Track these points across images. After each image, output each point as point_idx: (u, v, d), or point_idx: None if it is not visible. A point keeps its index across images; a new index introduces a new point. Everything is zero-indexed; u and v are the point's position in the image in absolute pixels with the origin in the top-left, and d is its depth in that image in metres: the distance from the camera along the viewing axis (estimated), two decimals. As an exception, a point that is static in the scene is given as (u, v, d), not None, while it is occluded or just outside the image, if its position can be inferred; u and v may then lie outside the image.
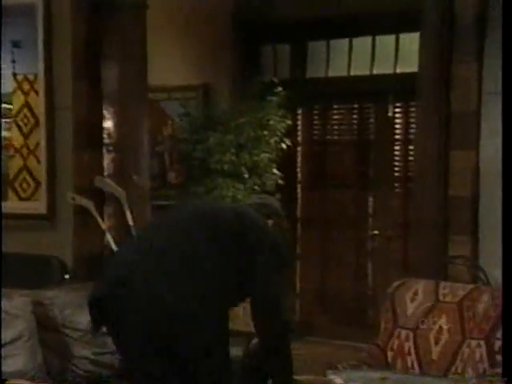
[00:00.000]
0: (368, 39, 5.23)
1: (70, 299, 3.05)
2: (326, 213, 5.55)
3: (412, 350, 3.15)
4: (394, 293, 3.35)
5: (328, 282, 5.54)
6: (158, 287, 2.40)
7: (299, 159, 5.63)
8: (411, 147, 5.13)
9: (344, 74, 5.36)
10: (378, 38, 5.21)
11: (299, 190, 5.66)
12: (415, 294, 3.27)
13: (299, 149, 5.61)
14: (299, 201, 5.67)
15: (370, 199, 5.40)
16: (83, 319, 2.79)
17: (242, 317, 4.91)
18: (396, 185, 5.29)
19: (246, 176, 4.91)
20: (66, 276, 4.44)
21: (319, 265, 5.55)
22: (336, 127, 5.60)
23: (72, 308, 3.01)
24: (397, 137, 5.28)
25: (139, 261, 2.48)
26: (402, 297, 3.29)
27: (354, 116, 5.49)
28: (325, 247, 5.57)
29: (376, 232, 5.33)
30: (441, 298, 3.19)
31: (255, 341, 3.09)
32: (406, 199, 5.17)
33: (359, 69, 5.28)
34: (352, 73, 5.34)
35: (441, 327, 3.11)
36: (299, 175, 5.64)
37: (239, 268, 2.53)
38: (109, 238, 4.40)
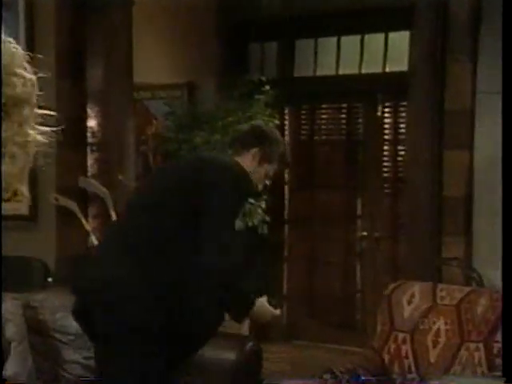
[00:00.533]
0: (357, 37, 5.22)
1: (61, 302, 3.01)
2: (314, 214, 5.54)
3: (409, 353, 3.14)
4: (390, 295, 3.35)
5: (316, 284, 5.53)
6: (133, 285, 2.48)
7: (286, 159, 5.63)
8: (401, 147, 5.15)
9: (332, 72, 5.36)
10: (366, 36, 5.21)
11: (287, 191, 5.66)
12: (412, 296, 3.27)
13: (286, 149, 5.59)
14: (286, 202, 5.67)
15: (359, 200, 5.41)
16: (74, 323, 2.75)
17: (227, 317, 4.91)
18: (385, 185, 5.30)
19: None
20: (49, 279, 4.39)
21: (307, 266, 5.54)
22: (324, 127, 5.60)
23: (62, 311, 2.98)
24: (386, 137, 5.29)
25: (109, 260, 2.58)
26: (398, 299, 3.28)
27: (343, 116, 5.49)
28: (313, 248, 5.56)
29: (365, 233, 5.33)
30: (438, 300, 3.18)
31: (250, 344, 3.07)
32: (396, 200, 5.19)
33: (348, 68, 5.28)
34: (340, 72, 5.33)
35: (438, 330, 3.11)
36: (286, 176, 5.62)
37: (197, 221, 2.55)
38: (93, 239, 4.37)
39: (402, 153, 5.17)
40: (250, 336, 3.82)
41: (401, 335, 3.21)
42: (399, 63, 5.04)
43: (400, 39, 5.04)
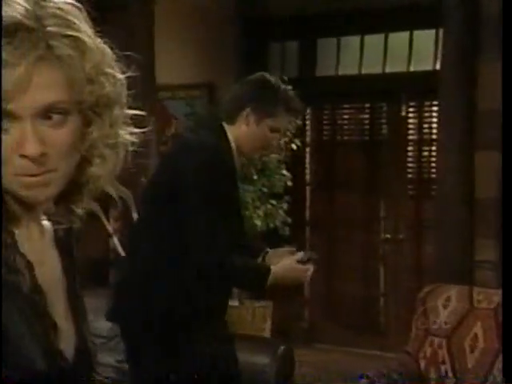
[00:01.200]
0: (381, 36, 5.21)
1: (90, 305, 3.01)
2: (336, 215, 5.53)
3: (446, 359, 3.13)
4: (424, 298, 3.34)
5: (337, 287, 5.52)
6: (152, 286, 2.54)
7: (308, 160, 5.62)
8: (425, 148, 5.15)
9: (355, 72, 5.34)
10: (391, 34, 5.19)
11: (308, 192, 5.65)
12: (448, 300, 3.25)
13: (308, 149, 5.58)
14: (308, 203, 5.66)
15: (382, 202, 5.39)
16: (105, 325, 2.75)
17: (249, 321, 4.91)
18: (409, 187, 5.28)
19: (255, 177, 4.88)
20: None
21: (328, 269, 5.50)
22: (346, 127, 5.59)
23: (92, 314, 2.97)
24: (410, 137, 5.27)
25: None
26: (433, 303, 3.27)
27: (366, 116, 5.48)
28: (334, 251, 5.54)
29: (388, 236, 5.31)
30: (475, 304, 3.17)
31: (283, 348, 3.07)
32: (420, 202, 5.17)
33: (371, 67, 5.26)
34: (363, 71, 5.32)
35: (476, 334, 3.09)
36: (308, 177, 5.63)
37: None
38: (115, 241, 4.37)
39: (426, 153, 5.19)
40: (282, 339, 3.81)
41: (437, 340, 3.20)
42: (424, 62, 5.05)
43: (425, 38, 5.04)
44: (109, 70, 1.07)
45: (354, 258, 5.49)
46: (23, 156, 1.02)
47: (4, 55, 0.98)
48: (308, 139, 5.58)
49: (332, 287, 5.54)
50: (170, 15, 5.53)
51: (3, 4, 1.01)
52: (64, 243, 1.16)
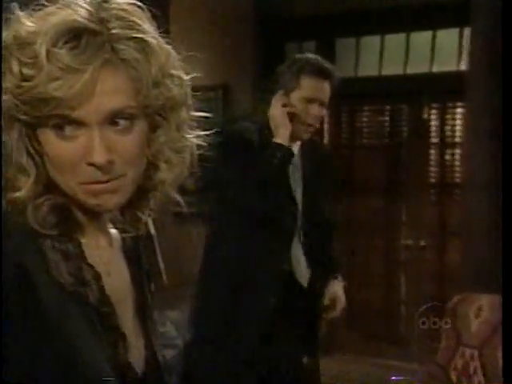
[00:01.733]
0: (402, 36, 5.14)
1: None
2: (355, 221, 5.47)
3: (478, 370, 3.06)
4: (454, 308, 3.27)
5: (356, 295, 5.41)
6: None
7: (326, 164, 5.57)
8: (448, 151, 5.08)
9: (375, 73, 5.28)
10: (412, 34, 5.12)
11: (326, 197, 5.60)
12: (479, 309, 3.18)
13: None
14: (326, 208, 5.61)
15: (403, 207, 5.33)
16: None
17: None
18: (431, 191, 5.22)
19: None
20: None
21: (348, 276, 5.36)
22: (366, 130, 5.51)
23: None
24: (432, 140, 5.21)
25: None
26: (464, 312, 3.20)
27: (386, 118, 5.41)
28: (354, 257, 5.47)
29: (409, 242, 5.25)
30: (509, 313, 3.09)
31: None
32: (443, 207, 5.10)
33: (392, 67, 5.20)
34: (384, 72, 5.25)
35: (510, 345, 3.01)
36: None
37: None
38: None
39: (449, 157, 5.12)
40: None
41: (468, 351, 3.12)
42: (447, 62, 4.98)
43: (448, 37, 4.97)
44: (174, 72, 1.07)
45: (374, 264, 5.43)
46: (90, 164, 1.01)
47: (67, 60, 0.98)
48: (326, 142, 5.50)
49: (351, 295, 5.39)
50: (185, 17, 5.48)
51: (66, 7, 1.01)
52: (132, 252, 1.16)
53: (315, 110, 2.84)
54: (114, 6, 1.03)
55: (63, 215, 1.05)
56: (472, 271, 3.86)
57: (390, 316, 5.36)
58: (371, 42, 5.26)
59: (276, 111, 2.79)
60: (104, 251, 1.11)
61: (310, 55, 2.97)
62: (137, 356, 1.10)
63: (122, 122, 1.03)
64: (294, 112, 2.79)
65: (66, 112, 1.00)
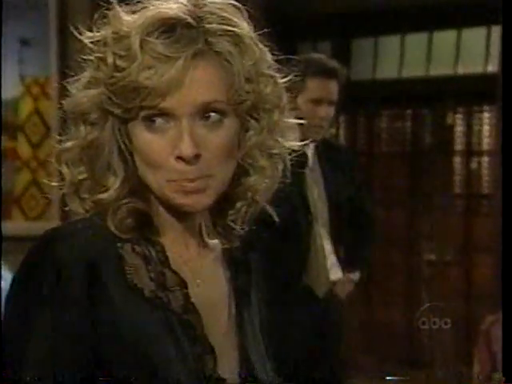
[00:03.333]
0: (424, 35, 5.13)
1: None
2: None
3: (516, 400, 2.96)
4: (488, 330, 3.17)
5: (374, 315, 5.41)
6: None
7: (342, 173, 5.54)
8: (474, 159, 5.05)
9: (394, 75, 5.28)
10: (435, 33, 5.12)
11: (342, 209, 5.55)
12: (516, 332, 3.09)
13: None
14: (342, 220, 5.56)
15: (425, 219, 5.28)
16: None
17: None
18: (456, 203, 5.18)
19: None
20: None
21: (365, 294, 5.38)
22: (385, 137, 5.49)
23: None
24: (457, 148, 5.18)
25: None
26: (499, 334, 3.10)
27: (407, 124, 5.39)
28: (372, 273, 5.29)
29: (432, 257, 5.20)
30: (548, 337, 3.00)
31: None
32: (469, 219, 5.05)
33: (413, 69, 5.21)
34: (404, 74, 5.25)
35: (550, 372, 2.93)
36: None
37: None
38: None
39: (475, 166, 5.07)
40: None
41: (505, 379, 3.03)
42: (473, 64, 4.94)
43: (474, 36, 4.93)
44: (268, 71, 1.11)
45: (393, 281, 5.38)
46: (179, 158, 1.06)
47: (160, 49, 1.04)
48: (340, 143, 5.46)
49: (369, 314, 5.43)
50: None
51: (162, 3, 1.08)
52: (238, 261, 1.18)
53: (323, 111, 2.93)
54: (209, 3, 1.09)
55: (142, 220, 1.09)
56: (501, 289, 3.76)
57: (411, 337, 5.28)
58: (390, 41, 5.28)
59: (303, 111, 2.83)
60: (193, 257, 1.14)
61: (314, 55, 3.09)
62: (230, 370, 1.11)
63: (212, 117, 1.07)
64: (299, 114, 2.82)
65: (157, 102, 1.04)
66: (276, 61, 1.13)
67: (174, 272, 1.10)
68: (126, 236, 1.09)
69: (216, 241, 1.17)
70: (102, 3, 1.09)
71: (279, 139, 1.13)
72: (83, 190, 1.10)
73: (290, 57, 1.15)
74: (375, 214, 5.24)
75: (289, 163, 1.15)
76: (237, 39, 1.08)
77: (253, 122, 1.11)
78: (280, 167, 1.15)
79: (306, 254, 2.96)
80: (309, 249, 2.97)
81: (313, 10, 5.29)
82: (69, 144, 1.11)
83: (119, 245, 1.09)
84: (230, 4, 1.10)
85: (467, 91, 4.90)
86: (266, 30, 1.13)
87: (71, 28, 1.12)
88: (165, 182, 1.08)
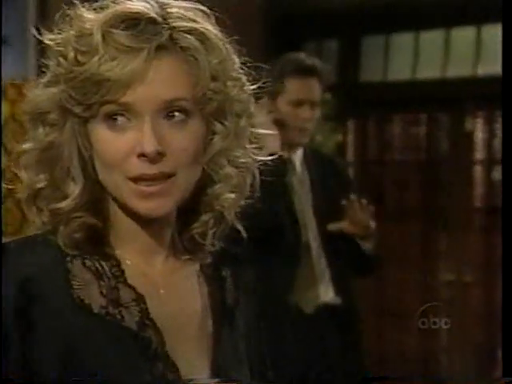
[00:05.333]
0: (440, 33, 5.09)
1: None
2: (385, 251, 5.09)
3: None
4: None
5: (388, 339, 5.35)
6: None
7: (350, 183, 5.51)
8: (496, 168, 4.98)
9: (408, 76, 5.25)
10: (453, 31, 5.08)
11: (351, 223, 5.50)
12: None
13: (350, 170, 5.41)
14: (350, 236, 5.50)
15: (442, 235, 5.25)
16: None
17: None
18: (476, 217, 5.13)
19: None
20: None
21: (378, 316, 5.35)
22: (397, 144, 5.45)
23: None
24: (477, 156, 5.14)
25: None
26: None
27: (421, 129, 5.36)
28: (384, 295, 5.38)
29: (451, 277, 5.15)
30: None
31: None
32: (491, 235, 4.97)
33: (428, 70, 5.17)
34: (419, 75, 5.22)
35: None
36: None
37: None
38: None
39: (497, 175, 5.02)
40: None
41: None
42: (494, 64, 4.83)
43: (496, 35, 4.82)
44: (235, 74, 1.15)
45: (406, 304, 5.29)
46: (141, 156, 1.09)
47: (124, 40, 1.09)
48: (350, 158, 5.47)
49: (379, 340, 5.36)
50: None
51: (127, 2, 1.14)
52: (216, 277, 1.22)
53: (305, 112, 2.99)
54: (175, 5, 1.14)
55: (94, 235, 1.13)
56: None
57: (429, 363, 5.24)
58: (404, 39, 5.26)
59: (260, 119, 2.85)
60: (158, 271, 1.17)
61: (292, 54, 3.10)
62: None
63: (177, 116, 1.11)
64: (279, 117, 2.94)
65: (118, 96, 1.08)
66: (249, 67, 1.18)
67: (130, 286, 1.13)
68: (74, 252, 1.13)
69: (190, 255, 1.21)
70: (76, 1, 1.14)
71: (247, 147, 1.17)
72: (41, 198, 1.14)
73: (260, 64, 1.19)
74: (382, 228, 5.33)
75: (258, 176, 1.18)
76: (202, 36, 1.12)
77: (219, 125, 1.15)
78: (248, 179, 1.18)
79: (293, 267, 3.00)
80: (296, 262, 3.01)
81: (317, 5, 5.30)
82: (26, 146, 1.13)
83: (68, 259, 1.13)
84: (197, 8, 1.16)
85: (488, 94, 4.78)
86: (234, 36, 1.17)
87: (35, 28, 1.16)
88: (123, 182, 1.11)
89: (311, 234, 3.09)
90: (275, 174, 2.86)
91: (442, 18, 5.01)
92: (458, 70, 5.06)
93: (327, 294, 3.11)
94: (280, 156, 2.89)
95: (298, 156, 3.07)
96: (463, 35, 5.04)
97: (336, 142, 5.00)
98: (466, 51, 5.03)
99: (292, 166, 3.05)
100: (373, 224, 3.12)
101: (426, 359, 5.26)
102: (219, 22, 1.16)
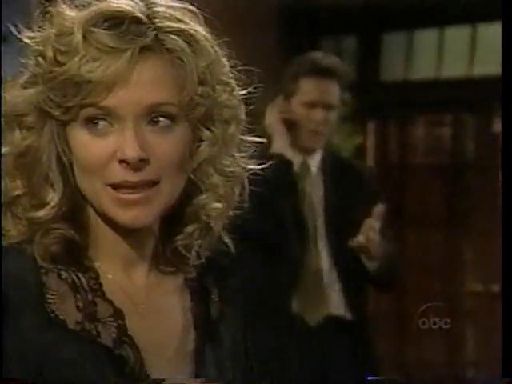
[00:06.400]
0: (466, 28, 5.07)
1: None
2: (406, 259, 5.26)
3: None
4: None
5: (409, 354, 5.28)
6: None
7: (370, 188, 5.49)
8: None
9: (431, 75, 5.21)
10: (480, 26, 5.07)
11: (371, 230, 5.46)
12: None
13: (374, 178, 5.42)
14: (370, 244, 5.46)
15: (468, 243, 5.23)
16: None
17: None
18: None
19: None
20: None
21: (398, 330, 5.30)
22: (420, 147, 5.42)
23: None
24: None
25: None
26: None
27: (446, 131, 5.34)
28: (404, 306, 5.30)
29: (478, 287, 5.14)
30: None
31: None
32: (520, 243, 4.88)
33: (454, 69, 5.16)
34: (443, 74, 5.19)
35: None
36: (370, 211, 5.45)
37: None
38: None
39: None
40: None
41: None
42: None
43: None
44: (224, 78, 1.13)
45: (430, 315, 5.13)
46: (122, 162, 1.07)
47: (106, 40, 1.07)
48: (369, 162, 5.42)
49: (401, 354, 5.32)
50: (203, 6, 5.40)
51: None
52: (202, 291, 1.20)
53: (318, 114, 2.97)
54: (162, 4, 1.13)
55: (71, 247, 1.12)
56: None
57: (452, 381, 5.11)
58: (427, 36, 5.25)
59: (270, 119, 2.96)
60: (139, 285, 1.15)
61: (311, 53, 3.12)
62: None
63: (161, 121, 1.09)
64: (292, 118, 2.97)
65: (99, 99, 1.06)
66: (239, 71, 1.16)
67: (108, 301, 1.11)
68: (49, 265, 1.11)
69: (174, 269, 1.19)
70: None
71: (236, 156, 1.16)
72: (17, 205, 1.11)
73: (250, 68, 1.17)
74: (405, 236, 5.25)
75: (247, 186, 1.16)
76: (190, 38, 1.11)
77: (206, 132, 1.13)
78: (236, 189, 1.16)
79: (298, 276, 2.98)
80: (301, 271, 2.99)
81: (335, 1, 5.30)
82: (2, 150, 1.10)
83: (43, 271, 1.10)
84: (184, 8, 1.14)
85: (518, 94, 4.71)
86: (224, 38, 1.16)
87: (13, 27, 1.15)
88: (102, 189, 1.09)
89: (321, 243, 3.06)
90: (281, 176, 2.82)
91: (467, 13, 4.98)
92: (485, 68, 5.01)
93: (335, 306, 3.07)
94: (284, 157, 2.92)
95: (314, 161, 3.06)
96: (490, 32, 4.99)
97: (355, 145, 5.04)
98: (492, 49, 4.83)
99: (306, 170, 3.04)
100: (380, 243, 3.04)
101: (450, 375, 5.18)
102: (209, 23, 1.16)
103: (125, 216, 1.09)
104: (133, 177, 1.07)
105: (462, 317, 5.15)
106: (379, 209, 3.00)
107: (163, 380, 1.11)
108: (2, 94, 1.11)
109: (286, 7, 5.33)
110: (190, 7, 1.15)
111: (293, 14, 5.33)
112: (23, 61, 1.13)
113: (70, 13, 1.11)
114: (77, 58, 1.07)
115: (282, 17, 5.35)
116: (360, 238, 2.91)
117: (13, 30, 1.14)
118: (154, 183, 1.09)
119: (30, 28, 1.12)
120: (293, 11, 5.33)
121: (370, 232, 2.93)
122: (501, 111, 4.66)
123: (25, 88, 1.11)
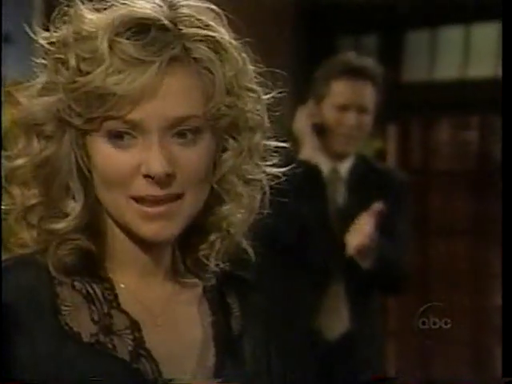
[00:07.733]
0: (494, 25, 5.01)
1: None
2: (432, 271, 5.35)
3: None
4: None
5: (436, 369, 5.20)
6: None
7: (392, 196, 5.44)
8: None
9: (456, 75, 5.22)
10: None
11: (393, 239, 5.42)
12: None
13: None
14: (393, 254, 5.42)
15: (498, 253, 5.03)
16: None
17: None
18: None
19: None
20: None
21: (419, 345, 5.20)
22: (444, 151, 5.39)
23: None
24: None
25: None
26: None
27: (472, 134, 5.32)
28: (429, 319, 5.11)
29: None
30: None
31: None
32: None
33: (480, 68, 5.14)
34: (470, 73, 5.18)
35: None
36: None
37: None
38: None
39: None
40: None
41: None
42: None
43: None
44: (250, 85, 1.14)
45: (456, 330, 5.11)
46: (146, 176, 1.08)
47: (132, 51, 1.07)
48: (391, 165, 5.29)
49: (427, 369, 5.24)
50: (220, 5, 5.41)
51: (132, 2, 1.11)
52: (216, 298, 1.20)
53: (351, 118, 2.96)
54: (185, 5, 1.12)
55: (87, 258, 1.12)
56: None
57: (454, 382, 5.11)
58: (452, 34, 5.26)
59: (298, 122, 2.99)
60: (157, 296, 1.15)
61: (343, 54, 3.16)
62: None
63: (187, 134, 1.10)
64: (323, 123, 2.98)
65: (124, 112, 1.06)
66: (263, 75, 1.16)
67: (124, 312, 1.11)
68: (62, 277, 1.11)
69: (195, 280, 1.20)
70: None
71: (259, 163, 1.16)
72: (32, 214, 1.11)
73: (275, 70, 1.17)
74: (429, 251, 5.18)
75: (268, 192, 1.17)
76: (217, 45, 1.11)
77: (231, 141, 1.14)
78: (258, 196, 1.17)
79: (321, 290, 2.98)
80: (324, 282, 2.99)
81: None
82: (20, 161, 1.10)
83: (56, 282, 1.11)
84: (208, 8, 1.14)
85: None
86: (245, 39, 1.16)
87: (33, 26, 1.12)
88: (125, 201, 1.09)
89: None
90: (308, 183, 2.77)
91: (495, 9, 4.88)
92: (514, 67, 4.98)
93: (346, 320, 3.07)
94: (312, 164, 2.94)
95: (345, 166, 3.04)
96: (520, 28, 4.97)
97: (375, 149, 5.01)
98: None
99: (336, 176, 3.02)
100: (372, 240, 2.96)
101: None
102: (232, 23, 1.16)
103: (147, 229, 1.09)
104: (158, 191, 1.08)
105: (491, 332, 5.09)
106: (376, 207, 2.90)
107: (170, 380, 1.11)
108: (3, 98, 1.13)
109: (305, 7, 5.36)
110: (213, 7, 1.14)
111: (312, 14, 5.36)
112: (36, 61, 1.12)
113: (90, 15, 1.10)
114: (102, 68, 1.06)
115: (301, 17, 5.38)
116: (352, 233, 2.88)
117: (27, 29, 1.12)
118: (179, 196, 1.10)
119: (46, 29, 1.11)
120: (312, 11, 5.36)
121: (365, 226, 2.87)
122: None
123: (43, 95, 1.09)
